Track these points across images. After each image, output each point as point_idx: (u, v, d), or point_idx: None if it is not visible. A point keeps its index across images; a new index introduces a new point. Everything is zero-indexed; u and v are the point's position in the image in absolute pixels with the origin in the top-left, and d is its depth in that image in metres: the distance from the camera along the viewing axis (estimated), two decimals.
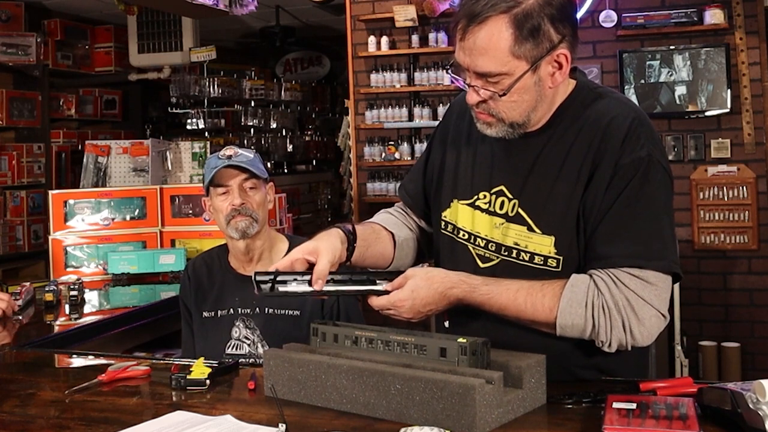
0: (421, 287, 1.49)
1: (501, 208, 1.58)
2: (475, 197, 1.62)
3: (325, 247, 1.53)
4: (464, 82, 1.51)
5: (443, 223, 1.69)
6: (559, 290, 1.47)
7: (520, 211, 1.55)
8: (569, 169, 1.51)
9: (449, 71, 1.56)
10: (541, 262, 1.52)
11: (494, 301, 1.50)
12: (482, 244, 1.60)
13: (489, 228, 1.59)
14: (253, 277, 1.49)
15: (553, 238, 1.51)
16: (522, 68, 1.44)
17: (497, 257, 1.58)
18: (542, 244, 1.52)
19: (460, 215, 1.65)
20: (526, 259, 1.54)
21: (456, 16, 1.48)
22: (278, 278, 1.49)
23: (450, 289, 1.50)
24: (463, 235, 1.64)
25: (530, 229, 1.53)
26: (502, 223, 1.57)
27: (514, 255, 1.55)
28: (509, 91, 1.45)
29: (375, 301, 1.51)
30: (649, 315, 1.45)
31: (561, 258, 1.51)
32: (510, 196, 1.57)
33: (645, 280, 1.44)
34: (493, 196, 1.59)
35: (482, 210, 1.61)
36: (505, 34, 1.42)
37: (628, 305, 1.44)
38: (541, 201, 1.53)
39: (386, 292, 1.50)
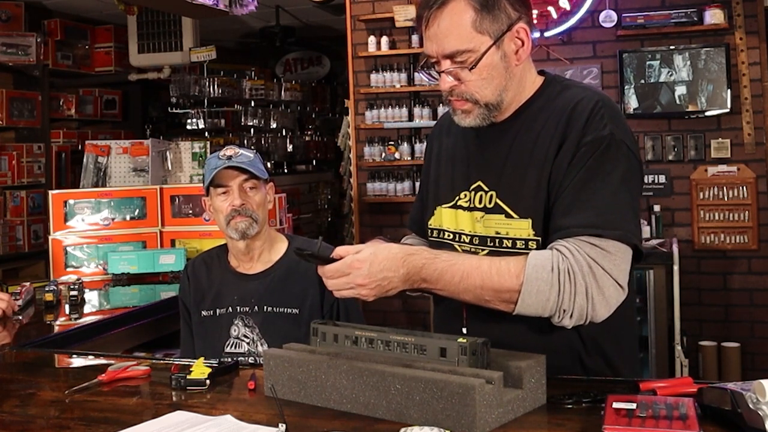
0: (381, 250, 1.45)
1: (480, 202, 1.62)
2: (457, 198, 1.67)
3: (369, 245, 1.53)
4: (436, 72, 1.57)
5: (429, 231, 1.74)
6: (523, 258, 1.46)
7: (498, 201, 1.59)
8: (538, 153, 1.55)
9: (420, 69, 1.62)
10: (523, 246, 1.54)
11: (457, 267, 1.47)
12: (467, 240, 1.63)
13: (471, 223, 1.62)
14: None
15: (530, 221, 1.54)
16: (486, 43, 1.52)
17: (483, 249, 1.60)
18: (521, 228, 1.55)
19: (445, 218, 1.69)
20: (510, 245, 1.56)
21: (418, 12, 1.57)
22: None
23: (410, 255, 1.47)
24: (449, 236, 1.68)
25: (508, 215, 1.57)
26: (482, 216, 1.60)
27: (497, 244, 1.58)
28: (477, 64, 1.51)
29: (331, 266, 1.45)
30: (608, 284, 1.45)
31: (540, 239, 1.53)
32: (486, 189, 1.61)
33: (604, 248, 1.45)
34: (472, 193, 1.64)
35: (464, 208, 1.65)
36: (465, 12, 1.51)
37: (590, 272, 1.43)
38: (516, 187, 1.57)
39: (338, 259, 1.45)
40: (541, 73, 1.67)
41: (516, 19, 1.53)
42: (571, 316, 1.44)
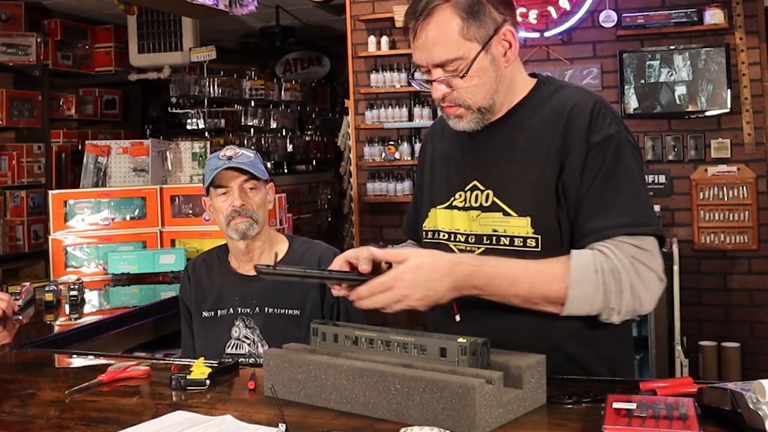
0: (425, 261, 1.45)
1: (476, 201, 1.63)
2: (452, 199, 1.67)
3: (364, 249, 1.56)
4: (427, 82, 1.58)
5: (424, 234, 1.74)
6: (566, 260, 1.49)
7: (495, 199, 1.60)
8: (537, 153, 1.57)
9: (412, 82, 1.67)
10: (521, 244, 1.55)
11: (505, 273, 1.48)
12: (462, 239, 1.64)
13: (467, 222, 1.63)
14: (255, 267, 1.56)
15: (528, 219, 1.55)
16: (475, 49, 1.53)
17: (478, 247, 1.61)
18: (519, 226, 1.56)
19: (440, 219, 1.69)
20: (507, 243, 1.57)
21: (406, 23, 1.59)
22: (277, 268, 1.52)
23: (456, 264, 1.47)
24: (444, 236, 1.68)
25: (506, 213, 1.58)
26: (478, 215, 1.61)
27: (494, 241, 1.59)
28: (468, 72, 1.53)
29: (378, 280, 1.44)
30: (651, 278, 1.49)
31: (539, 237, 1.54)
32: (483, 188, 1.62)
33: (640, 246, 1.49)
34: (468, 193, 1.64)
35: (459, 208, 1.65)
36: (452, 21, 1.52)
37: (632, 269, 1.47)
38: (513, 186, 1.58)
39: (374, 276, 1.44)
40: (533, 75, 1.69)
41: (501, 22, 1.55)
42: (618, 313, 1.48)
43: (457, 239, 1.64)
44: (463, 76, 1.53)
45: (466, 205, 1.64)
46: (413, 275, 1.43)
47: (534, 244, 1.54)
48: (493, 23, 1.54)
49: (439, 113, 1.69)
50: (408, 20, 1.57)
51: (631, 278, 1.46)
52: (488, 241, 1.59)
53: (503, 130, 1.62)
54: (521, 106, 1.63)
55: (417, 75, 1.64)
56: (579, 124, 1.54)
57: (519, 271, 1.48)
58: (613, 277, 1.46)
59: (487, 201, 1.61)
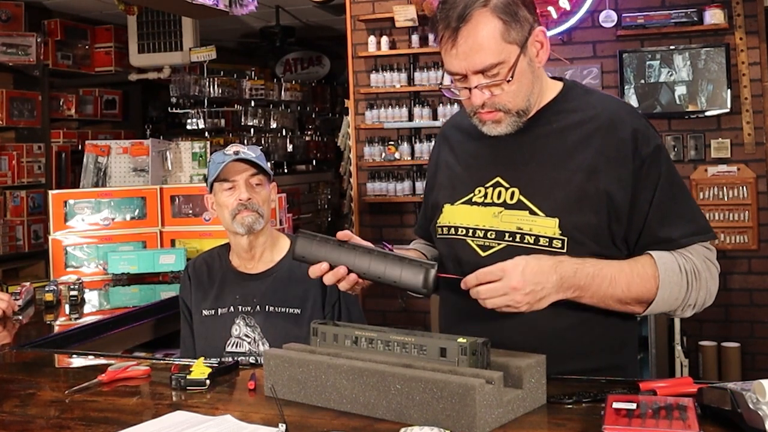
0: (530, 261, 1.45)
1: (498, 197, 1.62)
2: (471, 194, 1.66)
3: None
4: (462, 90, 1.56)
5: (439, 230, 1.72)
6: (651, 262, 1.54)
7: (521, 197, 1.59)
8: (567, 157, 1.58)
9: (444, 91, 1.65)
10: (547, 244, 1.55)
11: (605, 272, 1.51)
12: (481, 235, 1.63)
13: (487, 218, 1.62)
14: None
15: (557, 220, 1.55)
16: (515, 53, 1.52)
17: (499, 243, 1.60)
18: (546, 226, 1.55)
19: (457, 214, 1.68)
20: (531, 241, 1.56)
21: (437, 31, 1.55)
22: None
23: (560, 262, 1.48)
24: (462, 231, 1.66)
25: (532, 212, 1.57)
26: (501, 212, 1.60)
27: (518, 239, 1.58)
28: (514, 76, 1.52)
29: (485, 270, 1.43)
30: (716, 272, 1.61)
31: (565, 238, 1.54)
32: (507, 185, 1.62)
33: (708, 248, 1.61)
34: (489, 189, 1.64)
35: (479, 204, 1.64)
36: (492, 24, 1.50)
37: (705, 268, 1.58)
38: (541, 186, 1.58)
39: (459, 278, 1.45)
40: (557, 79, 1.69)
41: (533, 22, 1.54)
42: (692, 307, 1.59)
43: (476, 234, 1.63)
44: (509, 81, 1.52)
45: (486, 201, 1.63)
46: (522, 268, 1.43)
47: (560, 246, 1.54)
48: (527, 24, 1.53)
49: (440, 111, 1.69)
50: (442, 29, 1.52)
51: (706, 276, 1.57)
52: (510, 238, 1.58)
53: (531, 130, 1.61)
54: (550, 107, 1.63)
55: (447, 82, 1.63)
56: (621, 135, 1.56)
57: (615, 271, 1.52)
58: (694, 277, 1.56)
59: (512, 198, 1.60)
